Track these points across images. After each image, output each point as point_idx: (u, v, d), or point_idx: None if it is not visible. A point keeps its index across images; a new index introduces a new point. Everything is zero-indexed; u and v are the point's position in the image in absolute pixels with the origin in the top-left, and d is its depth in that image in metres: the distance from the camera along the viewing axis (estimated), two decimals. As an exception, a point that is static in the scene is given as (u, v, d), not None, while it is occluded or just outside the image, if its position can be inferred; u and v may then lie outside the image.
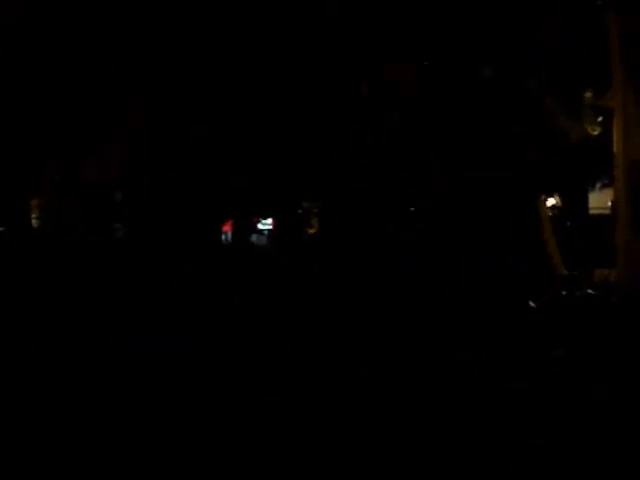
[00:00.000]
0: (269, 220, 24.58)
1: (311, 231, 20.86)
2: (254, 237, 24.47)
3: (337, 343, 9.02)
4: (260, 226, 25.40)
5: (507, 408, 6.33)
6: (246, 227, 22.23)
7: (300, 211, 21.29)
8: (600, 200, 16.21)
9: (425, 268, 13.02)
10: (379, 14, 12.89)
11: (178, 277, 14.86)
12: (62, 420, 6.08)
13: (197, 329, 9.94)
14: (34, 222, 17.13)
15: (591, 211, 16.44)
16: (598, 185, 16.01)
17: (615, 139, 3.99)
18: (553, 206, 16.73)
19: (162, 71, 15.12)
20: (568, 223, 16.00)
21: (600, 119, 11.16)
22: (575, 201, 16.20)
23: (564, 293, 10.59)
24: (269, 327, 10.17)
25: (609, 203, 14.50)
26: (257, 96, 15.25)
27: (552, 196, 16.58)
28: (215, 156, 17.08)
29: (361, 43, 13.43)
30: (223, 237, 22.10)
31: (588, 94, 11.34)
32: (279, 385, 7.18)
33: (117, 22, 14.39)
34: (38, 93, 15.01)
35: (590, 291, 10.46)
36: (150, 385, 7.17)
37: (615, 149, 4.00)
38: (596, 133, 11.24)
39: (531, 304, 10.37)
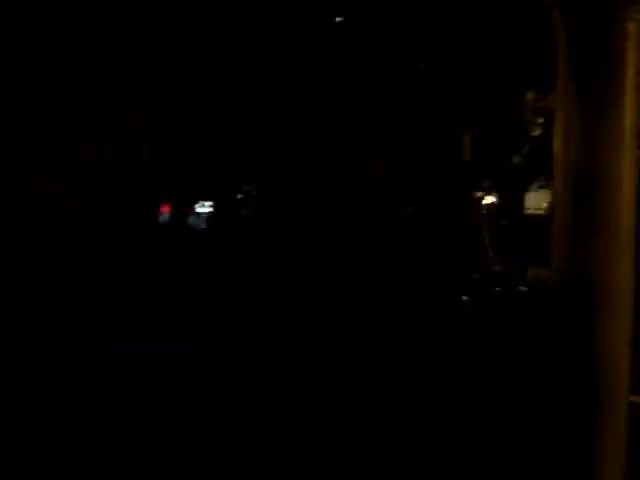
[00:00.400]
0: (207, 203, 24.89)
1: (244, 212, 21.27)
2: (191, 219, 24.76)
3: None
4: (198, 209, 25.73)
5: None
6: (184, 210, 22.48)
7: (240, 195, 21.51)
8: (536, 200, 16.39)
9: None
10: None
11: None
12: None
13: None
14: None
15: (527, 211, 16.61)
16: (535, 185, 16.19)
17: (555, 140, 4.03)
18: (490, 204, 16.88)
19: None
20: (504, 222, 16.18)
21: (541, 120, 11.21)
22: (512, 200, 16.35)
23: (497, 289, 10.73)
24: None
25: (545, 204, 14.66)
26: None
27: (490, 194, 16.74)
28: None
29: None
30: (161, 218, 22.36)
31: (529, 95, 11.38)
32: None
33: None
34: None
35: (523, 288, 10.59)
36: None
37: (555, 150, 4.04)
38: (536, 134, 11.31)
39: (464, 299, 10.48)
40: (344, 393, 6.85)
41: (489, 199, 16.76)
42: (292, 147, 16.08)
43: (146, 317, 10.76)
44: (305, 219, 17.78)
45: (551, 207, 4.49)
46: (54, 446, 5.44)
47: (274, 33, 13.97)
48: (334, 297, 12.22)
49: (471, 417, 6.13)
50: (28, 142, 15.84)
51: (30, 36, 14.27)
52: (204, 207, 25.78)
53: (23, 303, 11.65)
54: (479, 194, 16.11)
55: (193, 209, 25.68)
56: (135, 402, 6.60)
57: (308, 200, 17.65)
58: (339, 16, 13.11)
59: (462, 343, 8.74)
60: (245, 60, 14.74)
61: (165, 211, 22.55)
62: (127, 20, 14.44)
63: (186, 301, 12.20)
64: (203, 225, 24.55)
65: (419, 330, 9.52)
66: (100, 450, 5.38)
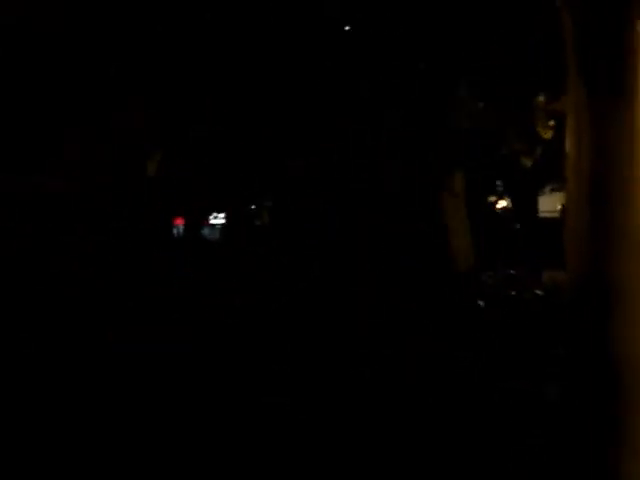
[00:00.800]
0: (221, 215, 25.01)
1: (259, 222, 21.47)
2: (206, 230, 24.83)
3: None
4: (212, 221, 25.82)
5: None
6: (198, 221, 22.61)
7: (253, 206, 21.65)
8: (550, 203, 16.38)
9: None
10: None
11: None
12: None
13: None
14: None
15: (541, 214, 16.60)
16: (548, 188, 16.19)
17: (567, 143, 4.01)
18: (504, 208, 16.93)
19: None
20: (517, 225, 16.19)
21: (552, 123, 11.23)
22: (525, 204, 16.31)
23: (513, 293, 10.76)
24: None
25: (558, 207, 14.63)
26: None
27: (502, 198, 16.79)
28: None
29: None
30: (175, 231, 22.51)
31: (540, 97, 11.38)
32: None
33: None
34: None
35: (538, 292, 10.63)
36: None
37: (567, 153, 4.02)
38: (548, 136, 11.32)
39: (480, 303, 10.48)
40: (344, 393, 6.85)
41: (502, 203, 16.82)
42: (292, 147, 16.08)
43: (146, 317, 10.77)
44: (305, 219, 17.80)
45: (564, 210, 4.52)
46: (54, 445, 5.45)
47: (275, 34, 13.97)
48: (334, 297, 12.23)
49: (471, 417, 6.14)
50: (28, 142, 15.85)
51: (30, 36, 14.28)
52: (218, 219, 25.88)
53: (23, 303, 11.66)
54: (492, 198, 16.12)
55: (207, 221, 25.77)
56: (135, 402, 6.60)
57: (308, 200, 17.68)
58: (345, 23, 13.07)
59: (462, 343, 8.74)
60: (245, 61, 14.75)
61: (179, 224, 22.71)
62: (127, 20, 14.45)
63: (186, 301, 12.22)
64: (217, 236, 24.62)
65: (419, 330, 9.53)
66: (100, 449, 5.39)
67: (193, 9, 14.18)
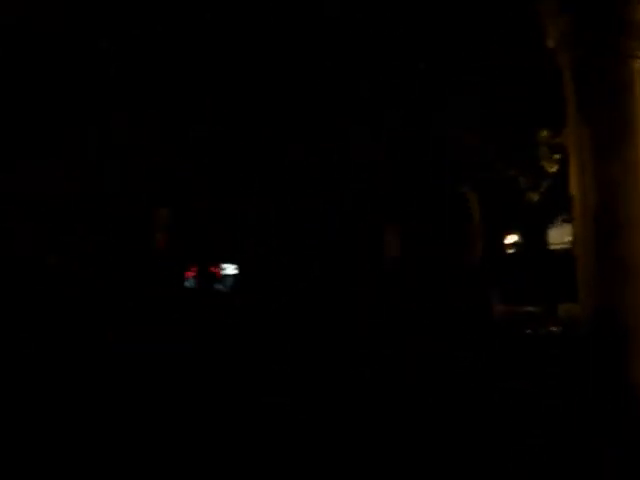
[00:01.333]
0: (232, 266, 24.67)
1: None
2: (219, 284, 24.47)
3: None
4: (224, 272, 25.44)
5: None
6: (210, 274, 22.35)
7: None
8: (560, 235, 16.38)
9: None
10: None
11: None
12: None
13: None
14: None
15: (552, 246, 16.58)
16: (559, 219, 16.20)
17: (571, 183, 4.07)
18: (514, 243, 16.90)
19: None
20: (529, 259, 16.15)
21: (557, 156, 11.26)
22: (535, 237, 16.32)
23: (528, 332, 10.67)
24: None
25: (569, 238, 14.55)
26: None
27: (512, 233, 16.77)
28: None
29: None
30: (187, 283, 22.21)
31: (544, 132, 11.41)
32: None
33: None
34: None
35: (554, 328, 10.55)
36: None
37: (572, 193, 4.09)
38: (554, 170, 11.35)
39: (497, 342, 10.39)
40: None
41: (512, 237, 16.81)
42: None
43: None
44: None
45: (573, 243, 4.61)
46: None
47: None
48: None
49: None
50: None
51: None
52: (230, 270, 25.35)
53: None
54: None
55: (219, 273, 25.24)
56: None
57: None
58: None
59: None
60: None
61: (189, 276, 22.32)
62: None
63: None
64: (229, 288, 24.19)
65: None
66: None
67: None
